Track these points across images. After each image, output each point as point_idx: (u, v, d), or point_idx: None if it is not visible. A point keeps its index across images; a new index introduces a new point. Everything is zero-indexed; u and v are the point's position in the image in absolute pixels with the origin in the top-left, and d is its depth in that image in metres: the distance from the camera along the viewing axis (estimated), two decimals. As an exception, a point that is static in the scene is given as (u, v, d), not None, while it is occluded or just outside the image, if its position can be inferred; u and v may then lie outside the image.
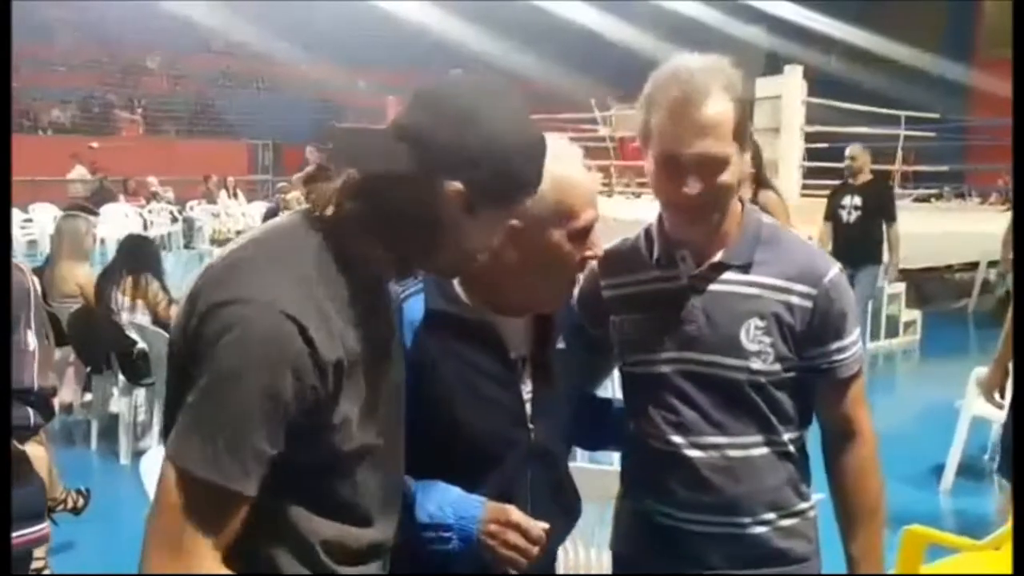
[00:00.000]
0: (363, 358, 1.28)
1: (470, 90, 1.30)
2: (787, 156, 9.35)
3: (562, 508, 1.67)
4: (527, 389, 1.63)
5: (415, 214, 1.28)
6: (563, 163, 1.53)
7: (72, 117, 23.92)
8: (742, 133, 1.59)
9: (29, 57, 23.60)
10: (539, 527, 1.48)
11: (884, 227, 7.06)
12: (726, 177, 1.57)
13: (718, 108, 1.55)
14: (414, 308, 1.59)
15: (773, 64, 11.06)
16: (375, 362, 1.32)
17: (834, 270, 1.67)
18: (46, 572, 3.59)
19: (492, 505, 1.50)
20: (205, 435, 1.15)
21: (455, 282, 1.61)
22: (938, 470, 4.85)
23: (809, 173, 9.91)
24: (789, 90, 9.34)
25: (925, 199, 14.63)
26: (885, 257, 7.19)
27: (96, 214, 6.50)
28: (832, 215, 7.21)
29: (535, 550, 1.47)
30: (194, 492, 1.15)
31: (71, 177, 18.93)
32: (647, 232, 1.76)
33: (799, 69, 9.48)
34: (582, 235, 1.55)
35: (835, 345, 1.67)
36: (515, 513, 1.48)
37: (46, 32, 24.20)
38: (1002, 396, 3.28)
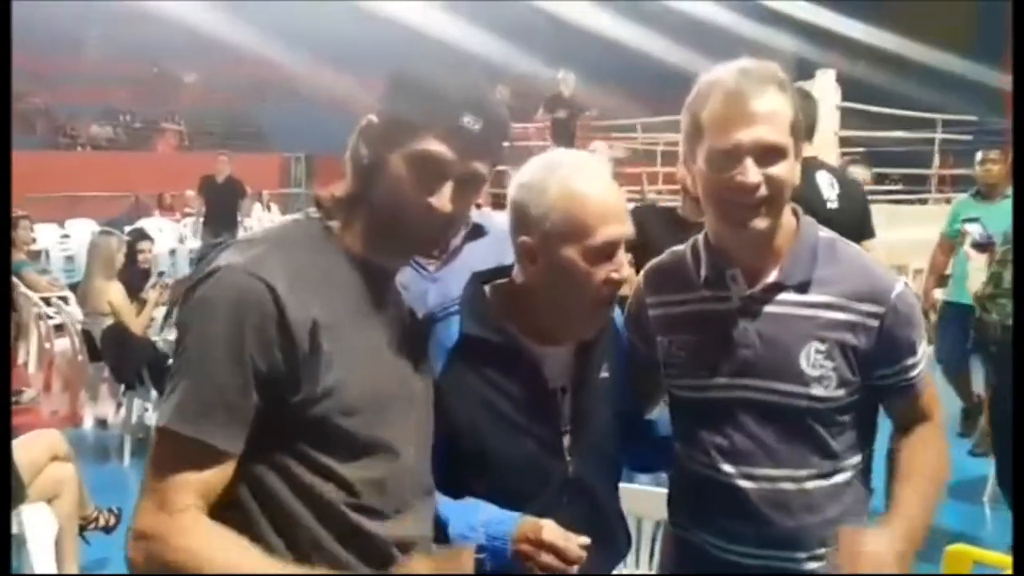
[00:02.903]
0: (356, 337, 1.31)
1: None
2: (821, 162, 9.23)
3: (604, 543, 1.58)
4: (567, 420, 1.57)
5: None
6: (578, 177, 1.48)
7: (108, 133, 24.21)
8: (798, 133, 1.51)
9: (64, 73, 23.95)
10: (575, 547, 1.40)
11: None
12: (782, 170, 1.48)
13: (774, 101, 1.48)
14: (448, 331, 1.54)
15: (803, 70, 10.96)
16: (372, 345, 1.35)
17: (899, 285, 1.58)
18: (78, 591, 3.61)
19: (525, 522, 1.44)
20: (180, 392, 1.24)
21: (493, 308, 1.56)
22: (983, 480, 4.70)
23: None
24: (822, 95, 9.21)
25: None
26: None
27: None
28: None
29: (572, 569, 1.40)
30: (173, 447, 1.24)
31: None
32: (693, 248, 1.67)
33: (831, 73, 9.36)
34: (601, 254, 1.47)
35: (909, 362, 1.59)
36: (549, 531, 1.42)
37: (79, 48, 24.54)
38: None
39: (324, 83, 24.96)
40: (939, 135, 11.20)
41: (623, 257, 1.50)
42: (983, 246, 3.95)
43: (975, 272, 4.12)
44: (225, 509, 1.28)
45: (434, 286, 2.15)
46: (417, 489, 1.40)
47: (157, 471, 1.24)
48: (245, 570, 1.21)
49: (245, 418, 1.24)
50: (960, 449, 5.28)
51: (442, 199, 1.32)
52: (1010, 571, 2.26)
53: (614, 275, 1.48)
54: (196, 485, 1.24)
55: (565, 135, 10.44)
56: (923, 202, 11.57)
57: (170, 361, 5.48)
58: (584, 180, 1.48)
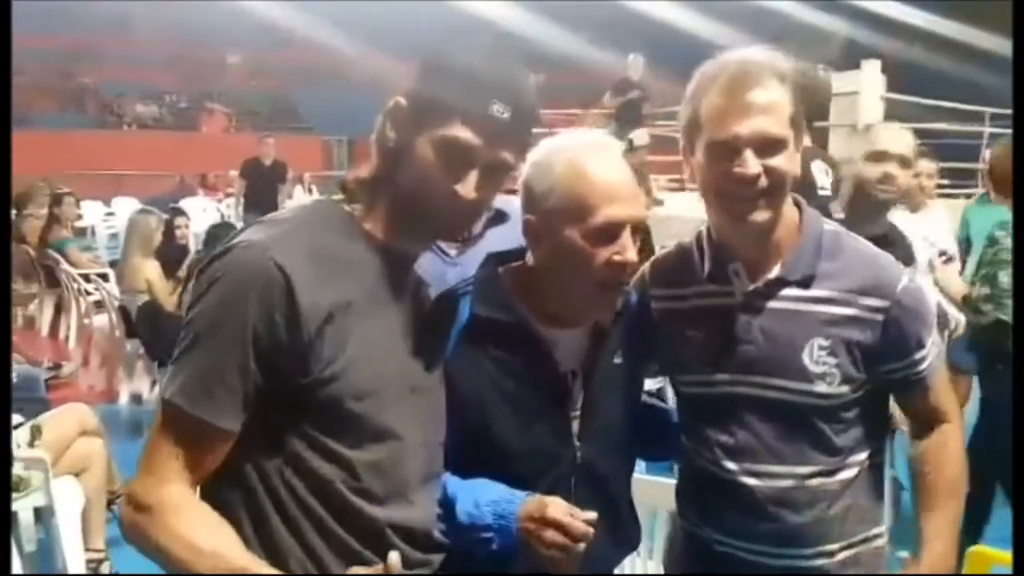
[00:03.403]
0: (370, 321, 1.30)
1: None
2: (864, 154, 9.09)
3: (613, 531, 1.56)
4: (576, 404, 1.55)
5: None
6: (584, 156, 1.45)
7: (154, 112, 24.50)
8: (798, 124, 1.48)
9: (111, 52, 24.26)
10: (581, 523, 1.38)
11: None
12: (782, 161, 1.46)
13: (772, 92, 1.46)
14: (462, 310, 1.53)
15: (856, 55, 10.75)
16: (387, 330, 1.35)
17: (906, 278, 1.55)
18: (105, 564, 3.67)
19: (531, 500, 1.42)
20: (184, 366, 1.25)
21: (505, 289, 1.54)
22: None
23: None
24: (867, 86, 9.05)
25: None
26: None
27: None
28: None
29: (578, 547, 1.38)
30: (173, 419, 1.25)
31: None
32: (697, 242, 1.65)
33: (877, 64, 9.18)
34: (603, 235, 1.44)
35: (918, 355, 1.56)
36: (554, 508, 1.39)
37: (126, 28, 24.84)
38: None
39: (368, 66, 25.04)
40: (987, 129, 10.94)
41: (628, 240, 1.45)
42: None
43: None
44: (229, 488, 1.29)
45: (454, 270, 2.14)
46: (419, 474, 1.40)
47: (156, 438, 1.26)
48: (228, 567, 1.21)
49: (246, 396, 1.25)
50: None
51: (467, 186, 1.31)
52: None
53: (616, 257, 1.45)
54: (190, 458, 1.25)
55: (633, 118, 10.31)
56: (969, 196, 11.35)
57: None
58: (590, 159, 1.46)
